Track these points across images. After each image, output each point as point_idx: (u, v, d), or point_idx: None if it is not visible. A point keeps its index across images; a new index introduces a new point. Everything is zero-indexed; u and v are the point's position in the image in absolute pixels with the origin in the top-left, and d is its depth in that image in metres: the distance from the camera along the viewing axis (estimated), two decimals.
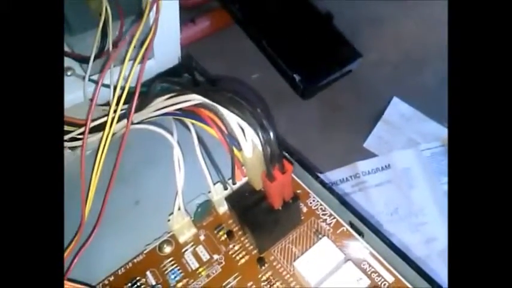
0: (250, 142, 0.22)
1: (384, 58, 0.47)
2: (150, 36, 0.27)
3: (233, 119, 0.22)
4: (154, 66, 0.33)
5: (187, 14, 0.43)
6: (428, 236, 0.42)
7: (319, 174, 0.43)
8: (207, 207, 0.26)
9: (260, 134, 0.21)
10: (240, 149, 0.24)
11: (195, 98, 0.24)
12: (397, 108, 0.47)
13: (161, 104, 0.26)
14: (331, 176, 0.44)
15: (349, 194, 0.44)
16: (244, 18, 0.40)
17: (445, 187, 0.43)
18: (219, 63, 0.44)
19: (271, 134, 0.21)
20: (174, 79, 0.28)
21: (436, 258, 0.41)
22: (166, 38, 0.33)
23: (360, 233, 0.26)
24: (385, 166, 0.45)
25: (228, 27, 0.43)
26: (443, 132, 0.46)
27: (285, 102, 0.45)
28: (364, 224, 0.26)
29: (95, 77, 0.31)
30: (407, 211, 0.43)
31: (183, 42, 0.41)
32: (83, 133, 0.27)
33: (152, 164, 0.29)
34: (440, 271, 0.39)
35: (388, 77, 0.47)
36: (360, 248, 0.25)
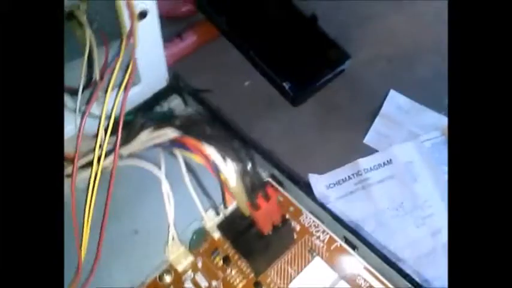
0: (233, 172, 0.23)
1: (377, 54, 0.46)
2: (130, 65, 0.27)
3: (213, 152, 0.23)
4: (142, 91, 0.34)
5: (173, 30, 0.43)
6: (434, 228, 0.42)
7: (318, 177, 0.43)
8: (201, 234, 0.27)
9: (238, 166, 0.21)
10: None
11: (174, 132, 0.24)
12: (395, 101, 0.46)
13: (147, 136, 0.27)
14: (333, 176, 0.44)
15: (353, 192, 0.44)
16: (230, 30, 0.39)
17: None
18: (210, 76, 0.44)
19: (249, 166, 0.21)
20: (155, 112, 0.28)
21: (440, 250, 0.41)
22: (151, 61, 0.33)
23: (354, 247, 0.26)
24: (387, 161, 0.44)
25: (216, 39, 0.43)
26: (442, 121, 0.45)
27: (279, 106, 0.45)
28: (358, 238, 0.26)
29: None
30: (412, 205, 0.43)
31: (172, 59, 0.42)
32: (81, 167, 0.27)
33: (148, 192, 0.30)
34: (445, 264, 0.39)
35: (383, 72, 0.46)
36: (354, 263, 0.25)
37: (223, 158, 0.23)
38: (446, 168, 0.43)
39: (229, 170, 0.23)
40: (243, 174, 0.21)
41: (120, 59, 0.26)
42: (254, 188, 0.22)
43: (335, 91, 0.45)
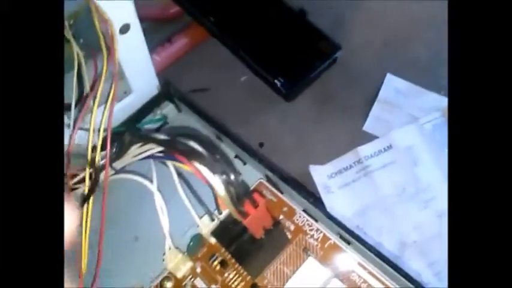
0: (220, 183, 0.23)
1: (370, 38, 0.45)
2: (113, 83, 0.27)
3: (199, 165, 0.23)
4: (134, 101, 0.34)
5: (163, 33, 0.43)
6: (439, 210, 0.41)
7: (319, 167, 0.43)
8: (198, 240, 0.28)
9: (222, 178, 0.22)
10: None
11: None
12: (392, 85, 0.45)
13: (138, 150, 0.27)
14: (334, 165, 0.44)
15: (355, 180, 0.44)
16: (218, 30, 0.39)
17: None
18: (205, 75, 0.44)
19: (232, 176, 0.22)
20: (141, 133, 0.29)
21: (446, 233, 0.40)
22: (140, 71, 0.33)
23: (348, 243, 0.26)
24: (387, 147, 0.44)
25: (207, 39, 0.43)
26: (442, 102, 0.44)
27: (277, 100, 0.45)
28: (350, 234, 0.26)
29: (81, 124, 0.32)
30: (415, 189, 0.43)
31: (164, 64, 0.42)
32: (76, 183, 0.28)
33: (145, 201, 0.31)
34: None
35: (377, 56, 0.45)
36: (348, 259, 0.26)
37: (210, 170, 0.23)
38: (447, 150, 0.43)
39: (217, 180, 0.23)
40: (227, 185, 0.22)
41: (104, 75, 0.27)
42: (239, 197, 0.22)
43: (330, 80, 0.45)
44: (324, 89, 0.45)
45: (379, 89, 0.45)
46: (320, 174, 0.43)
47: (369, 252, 0.25)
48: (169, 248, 0.27)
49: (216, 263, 0.27)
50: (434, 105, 0.44)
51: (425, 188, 0.42)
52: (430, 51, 0.44)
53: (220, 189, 0.24)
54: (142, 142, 0.25)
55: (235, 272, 0.27)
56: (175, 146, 0.23)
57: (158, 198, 0.26)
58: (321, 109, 0.45)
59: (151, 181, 0.27)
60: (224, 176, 0.22)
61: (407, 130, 0.44)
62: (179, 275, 0.27)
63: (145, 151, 0.27)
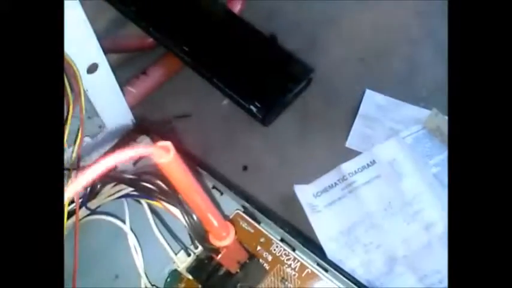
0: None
1: (346, 55, 0.46)
2: (80, 128, 0.27)
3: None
4: (108, 137, 0.34)
5: (139, 65, 0.43)
6: (426, 222, 0.41)
7: (304, 187, 0.43)
8: (175, 276, 0.27)
9: (184, 217, 0.22)
10: None
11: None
12: (372, 100, 0.45)
13: (111, 190, 0.27)
14: (319, 184, 0.44)
15: (341, 198, 0.44)
16: (192, 60, 0.40)
17: (434, 169, 0.43)
18: (186, 102, 0.45)
19: (194, 216, 0.22)
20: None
21: (437, 243, 0.40)
22: (112, 107, 0.33)
23: (326, 270, 0.26)
24: (371, 162, 0.44)
25: (185, 68, 0.43)
26: (422, 114, 0.44)
27: (257, 123, 0.45)
28: (326, 262, 0.26)
29: None
30: (401, 202, 0.42)
31: (141, 95, 0.42)
32: None
33: (122, 239, 0.31)
34: (442, 256, 0.39)
35: (356, 72, 0.45)
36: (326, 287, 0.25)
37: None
38: (430, 161, 0.43)
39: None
40: (191, 225, 0.22)
41: (69, 118, 0.27)
42: (205, 237, 0.22)
43: (310, 100, 0.45)
44: (304, 108, 0.45)
45: (359, 105, 0.45)
46: (305, 194, 0.43)
47: (346, 280, 0.25)
48: (145, 287, 0.26)
49: None
50: (414, 118, 0.44)
51: (410, 200, 0.42)
52: (406, 65, 0.45)
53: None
54: (112, 182, 0.25)
55: None
56: (140, 185, 0.23)
57: (131, 238, 0.26)
58: (302, 128, 0.45)
59: (124, 221, 0.27)
60: (187, 217, 0.22)
61: (389, 144, 0.44)
62: None
63: (119, 191, 0.27)
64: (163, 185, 0.23)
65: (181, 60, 0.39)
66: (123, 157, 0.14)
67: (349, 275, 0.25)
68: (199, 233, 0.22)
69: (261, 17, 0.45)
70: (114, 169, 0.27)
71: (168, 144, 0.15)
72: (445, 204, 0.41)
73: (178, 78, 0.45)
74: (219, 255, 0.23)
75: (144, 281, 0.26)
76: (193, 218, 0.22)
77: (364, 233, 0.42)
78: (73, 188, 0.13)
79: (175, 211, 0.23)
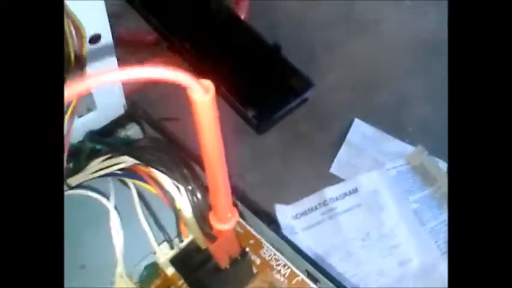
0: (187, 202, 0.21)
1: (341, 82, 0.47)
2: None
3: (166, 179, 0.21)
4: (97, 117, 0.32)
5: (137, 57, 0.42)
6: (402, 258, 0.41)
7: (285, 207, 0.42)
8: (153, 269, 0.25)
9: (188, 195, 0.20)
10: None
11: (127, 160, 0.23)
12: (359, 130, 0.46)
13: (98, 166, 0.25)
14: (299, 206, 0.43)
15: (319, 222, 0.43)
16: (194, 59, 0.39)
17: (414, 206, 0.43)
18: (176, 104, 0.43)
19: (199, 195, 0.20)
20: (105, 139, 0.27)
21: (411, 280, 0.40)
22: (107, 87, 0.32)
23: (316, 281, 0.25)
24: (353, 190, 0.44)
25: (180, 67, 0.42)
26: (406, 149, 0.45)
27: (245, 135, 0.44)
28: (319, 271, 0.25)
29: None
30: (378, 234, 0.42)
31: (134, 87, 0.40)
32: None
33: (97, 224, 0.28)
34: None
35: (346, 100, 0.46)
36: None
37: (177, 187, 0.21)
38: (411, 197, 0.43)
39: (184, 200, 0.22)
40: (194, 203, 0.20)
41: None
42: (207, 219, 0.20)
43: (300, 119, 0.45)
44: (293, 127, 0.45)
45: (346, 132, 0.45)
46: (285, 214, 0.42)
47: None
48: (121, 276, 0.24)
49: None
50: (399, 152, 0.45)
51: (388, 233, 0.42)
52: (396, 98, 0.46)
53: (187, 210, 0.22)
54: (108, 155, 0.23)
55: None
56: (143, 157, 0.21)
57: (114, 217, 0.23)
58: (289, 147, 0.45)
59: (108, 198, 0.24)
60: (191, 194, 0.20)
61: (373, 175, 0.44)
62: None
63: (106, 167, 0.24)
64: (164, 155, 0.21)
65: (183, 58, 0.39)
66: (152, 74, 0.12)
67: (341, 285, 0.24)
68: (202, 213, 0.20)
69: (262, 30, 0.46)
70: None
71: (209, 83, 0.14)
72: (421, 241, 0.41)
73: None
74: (214, 243, 0.21)
75: (120, 268, 0.24)
76: (197, 197, 0.20)
77: (338, 261, 0.41)
78: (76, 88, 0.12)
79: (172, 190, 0.21)
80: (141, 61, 0.42)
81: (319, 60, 0.47)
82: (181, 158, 0.22)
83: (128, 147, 0.23)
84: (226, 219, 0.19)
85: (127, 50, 0.43)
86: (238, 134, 0.43)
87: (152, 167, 0.21)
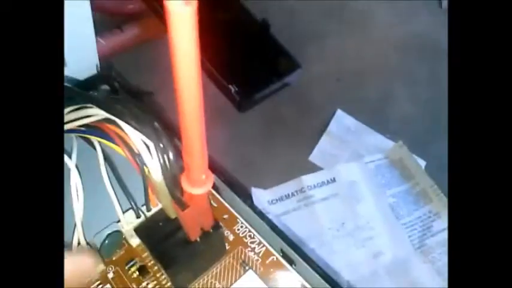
0: (158, 164, 0.19)
1: (326, 72, 0.46)
2: None
3: (136, 136, 0.19)
4: (68, 74, 0.30)
5: (116, 22, 0.39)
6: (375, 250, 0.40)
7: (261, 191, 0.41)
8: (116, 239, 0.23)
9: (159, 154, 0.18)
10: None
11: (98, 113, 0.21)
12: (341, 121, 0.45)
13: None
14: (276, 191, 0.42)
15: (295, 209, 0.42)
16: None
17: (390, 200, 0.43)
18: (151, 76, 0.41)
19: (171, 154, 0.18)
20: (74, 88, 0.24)
21: (383, 273, 0.39)
22: (80, 44, 0.29)
23: (292, 262, 0.23)
24: (331, 179, 0.43)
25: (161, 36, 0.40)
26: (386, 144, 0.45)
27: (224, 118, 0.43)
28: (296, 252, 0.23)
29: None
30: (353, 225, 0.41)
31: (111, 50, 0.38)
32: None
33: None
34: (386, 285, 0.38)
35: (331, 90, 0.45)
36: (290, 279, 0.22)
37: (147, 146, 0.19)
38: (388, 191, 0.42)
39: (154, 162, 0.20)
40: (165, 164, 0.18)
41: None
42: (176, 183, 0.18)
43: (282, 104, 0.44)
44: (275, 111, 0.44)
45: (328, 122, 0.44)
46: (261, 199, 0.41)
47: (314, 274, 0.22)
48: (78, 244, 0.21)
49: (133, 269, 0.22)
50: (379, 146, 0.44)
51: (363, 225, 0.41)
52: (379, 94, 0.46)
53: (157, 174, 0.20)
54: (75, 106, 0.21)
55: (155, 282, 0.22)
56: (111, 109, 0.19)
57: (75, 177, 0.21)
58: (269, 131, 0.43)
59: (69, 156, 0.22)
60: (162, 154, 0.18)
61: (351, 166, 0.43)
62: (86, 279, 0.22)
63: (71, 121, 0.22)
64: (137, 110, 0.19)
65: (166, 26, 0.36)
66: None
67: (319, 267, 0.22)
68: (173, 176, 0.18)
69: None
70: None
71: None
72: (395, 235, 0.41)
73: (151, 47, 0.42)
74: (185, 210, 0.19)
75: (78, 235, 0.21)
76: (168, 156, 0.18)
77: (312, 250, 0.40)
78: None
79: (144, 151, 0.19)
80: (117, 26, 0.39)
81: (308, 49, 0.46)
82: (156, 115, 0.20)
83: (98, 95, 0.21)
84: (200, 182, 0.17)
85: (104, 17, 0.40)
86: (218, 115, 0.41)
87: (122, 119, 0.19)
